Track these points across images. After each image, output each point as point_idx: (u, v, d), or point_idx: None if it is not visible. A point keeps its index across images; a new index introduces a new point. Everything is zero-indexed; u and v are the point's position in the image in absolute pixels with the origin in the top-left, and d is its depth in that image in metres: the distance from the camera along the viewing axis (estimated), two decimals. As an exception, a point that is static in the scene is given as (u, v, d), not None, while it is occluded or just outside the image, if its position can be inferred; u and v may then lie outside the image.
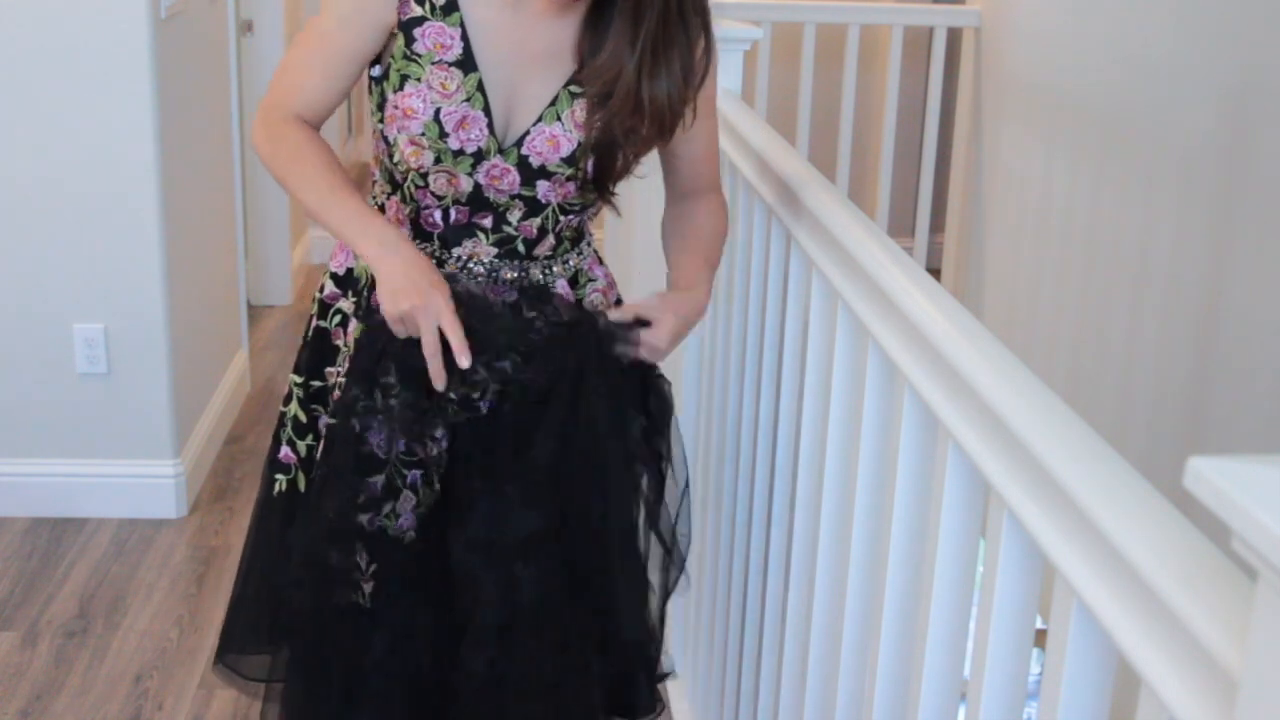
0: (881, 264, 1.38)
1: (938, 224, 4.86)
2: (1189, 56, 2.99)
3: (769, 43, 4.53)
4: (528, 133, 1.57)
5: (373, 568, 1.59)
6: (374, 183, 1.70)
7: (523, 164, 1.57)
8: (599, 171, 1.60)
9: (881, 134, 4.80)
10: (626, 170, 1.63)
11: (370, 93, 1.62)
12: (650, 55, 1.50)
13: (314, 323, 1.74)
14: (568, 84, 1.57)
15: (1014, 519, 1.05)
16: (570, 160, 1.58)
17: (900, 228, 5.11)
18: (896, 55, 4.63)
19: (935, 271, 4.77)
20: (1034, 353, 3.62)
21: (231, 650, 1.79)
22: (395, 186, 1.64)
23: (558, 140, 1.57)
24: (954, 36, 4.72)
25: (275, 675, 1.75)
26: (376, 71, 1.60)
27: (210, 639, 2.71)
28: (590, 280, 1.72)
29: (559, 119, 1.57)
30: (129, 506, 3.19)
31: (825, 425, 1.56)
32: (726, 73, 2.28)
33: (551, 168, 1.58)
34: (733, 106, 2.17)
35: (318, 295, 1.74)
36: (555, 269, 1.67)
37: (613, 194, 1.66)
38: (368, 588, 1.60)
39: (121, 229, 3.03)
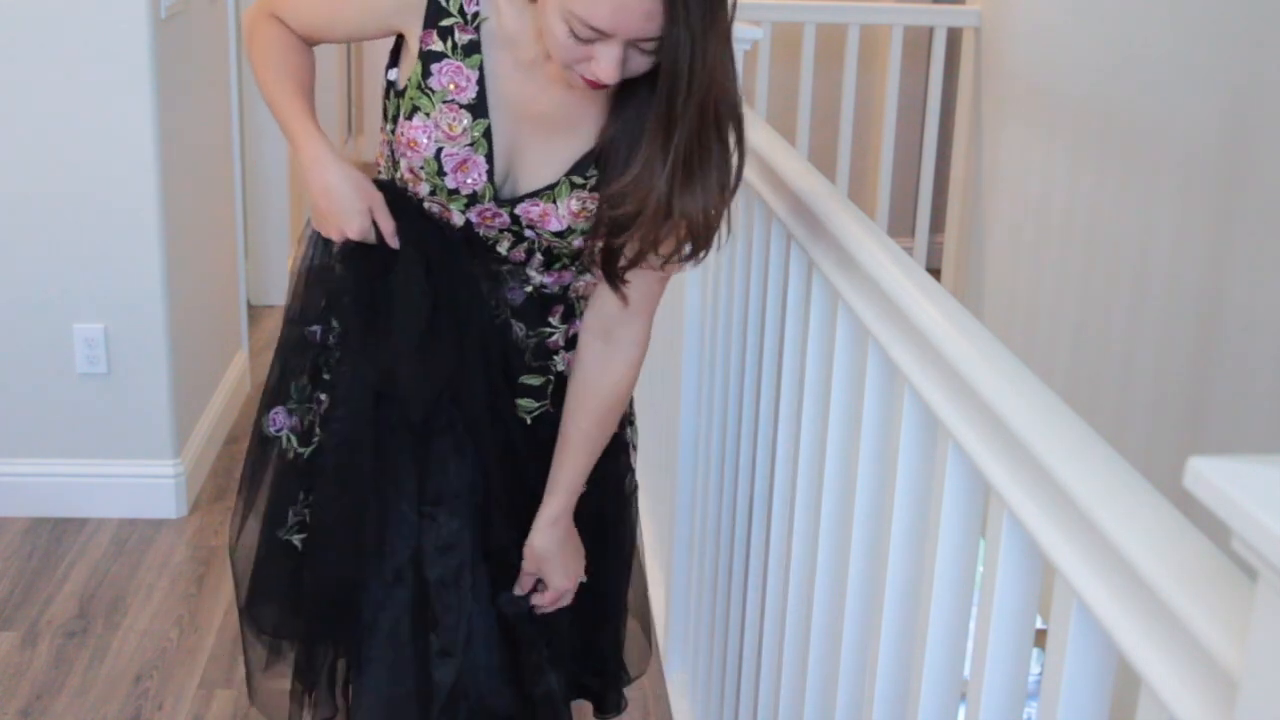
0: (881, 264, 1.38)
1: (938, 224, 4.86)
2: (1189, 56, 2.99)
3: (769, 43, 4.53)
4: (524, 198, 1.56)
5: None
6: (379, 173, 1.70)
7: (515, 218, 1.58)
8: (605, 262, 1.55)
9: (881, 134, 4.80)
10: (630, 264, 1.54)
11: (386, 95, 1.61)
12: (684, 169, 1.43)
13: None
14: (570, 173, 1.54)
15: (1014, 519, 1.05)
16: (561, 235, 1.57)
17: (900, 228, 5.11)
18: (896, 55, 4.63)
19: (935, 271, 4.77)
20: (1034, 353, 3.62)
21: (256, 604, 1.77)
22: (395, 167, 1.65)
23: (549, 217, 1.56)
24: (954, 36, 4.72)
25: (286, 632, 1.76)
26: (393, 76, 1.59)
27: (210, 639, 2.71)
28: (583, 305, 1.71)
29: (554, 202, 1.55)
30: (129, 506, 3.19)
31: (825, 425, 1.56)
32: (726, 73, 2.28)
33: (542, 231, 1.58)
34: (733, 106, 2.16)
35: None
36: (549, 279, 1.65)
37: (622, 283, 1.56)
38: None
39: (122, 229, 3.03)
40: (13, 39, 2.92)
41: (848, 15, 4.61)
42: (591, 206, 1.54)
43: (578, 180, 1.54)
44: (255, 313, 4.66)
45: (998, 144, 4.24)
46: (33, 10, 2.91)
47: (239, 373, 3.86)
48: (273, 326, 4.61)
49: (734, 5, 1.46)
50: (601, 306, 1.63)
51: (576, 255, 1.62)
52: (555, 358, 1.69)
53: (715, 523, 2.18)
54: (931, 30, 4.77)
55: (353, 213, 1.55)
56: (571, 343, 1.70)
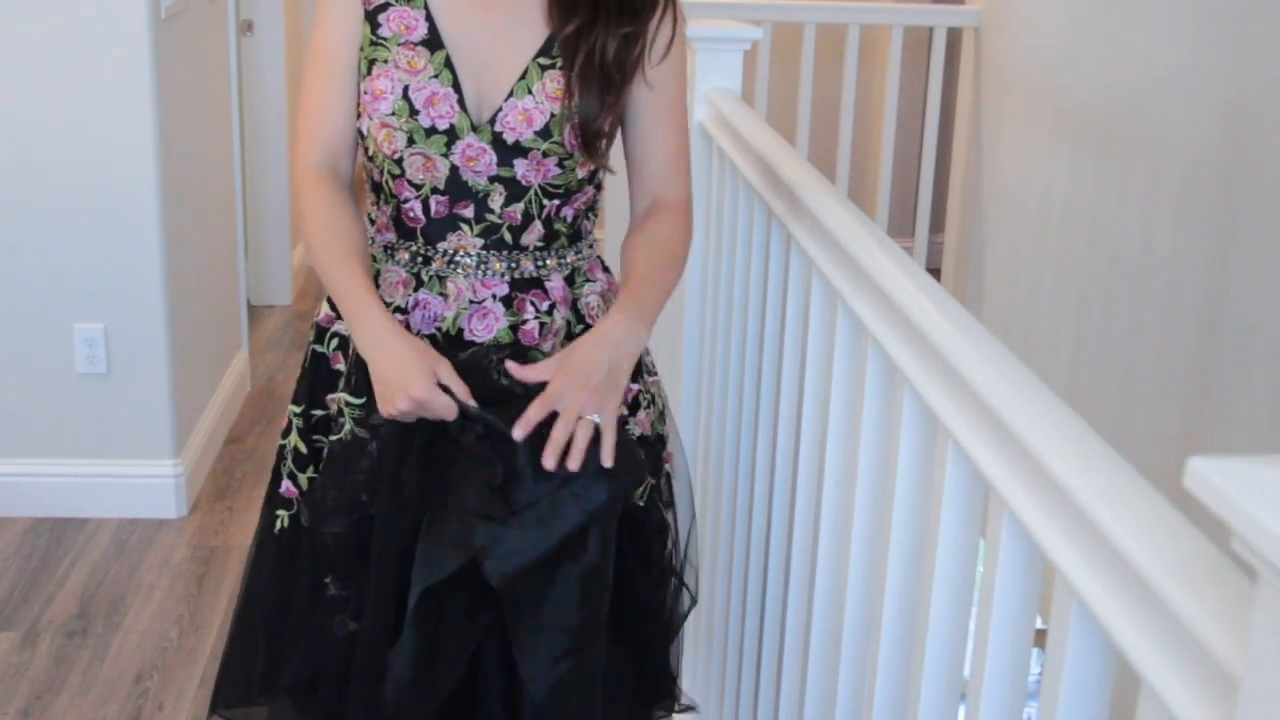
0: (881, 264, 1.38)
1: (938, 224, 4.86)
2: (1189, 56, 2.99)
3: (769, 43, 4.53)
4: (500, 109, 1.56)
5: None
6: (369, 203, 1.68)
7: (497, 141, 1.56)
8: (585, 143, 1.58)
9: (881, 134, 4.80)
10: (611, 133, 1.61)
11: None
12: (616, 11, 1.54)
13: (311, 349, 1.70)
14: (537, 56, 1.58)
15: (1014, 519, 1.05)
16: (544, 133, 1.56)
17: (900, 228, 5.11)
18: (896, 55, 4.63)
19: (935, 271, 4.77)
20: (1034, 353, 3.62)
21: (221, 703, 1.72)
22: (377, 191, 1.63)
23: (530, 114, 1.56)
24: (954, 36, 4.73)
25: None
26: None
27: (210, 639, 2.71)
28: (589, 282, 1.68)
29: (530, 92, 1.56)
30: (129, 506, 3.20)
31: (825, 425, 1.56)
32: (727, 73, 2.28)
33: (526, 143, 1.56)
34: (733, 106, 2.17)
35: (315, 320, 1.71)
36: (549, 262, 1.63)
37: (602, 155, 1.61)
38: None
39: (122, 229, 3.03)
40: (13, 39, 2.92)
41: (848, 15, 4.61)
42: (565, 86, 1.57)
43: (544, 61, 1.58)
44: (255, 312, 4.66)
45: (998, 144, 4.24)
46: (33, 10, 2.91)
47: (239, 373, 3.86)
48: (273, 326, 4.61)
49: None
50: (638, 193, 1.67)
51: (577, 233, 1.64)
52: (629, 425, 1.64)
53: (715, 523, 2.18)
54: (931, 30, 4.77)
55: (417, 373, 1.43)
56: (635, 405, 1.67)
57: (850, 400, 1.51)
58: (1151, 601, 0.83)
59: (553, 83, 1.56)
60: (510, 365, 1.49)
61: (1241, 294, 2.71)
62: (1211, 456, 0.71)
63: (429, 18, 1.57)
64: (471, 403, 1.45)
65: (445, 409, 1.44)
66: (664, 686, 1.73)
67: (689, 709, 1.85)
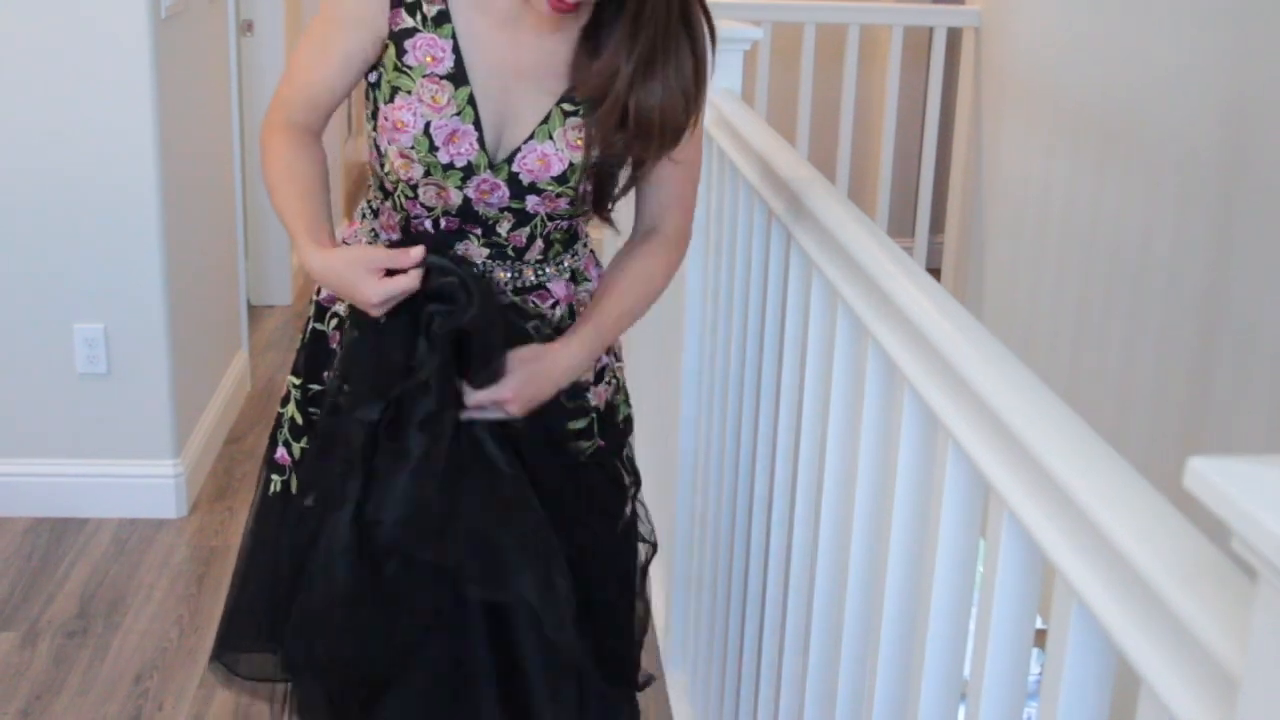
0: (881, 264, 1.39)
1: (937, 224, 4.86)
2: (1188, 56, 2.99)
3: (769, 43, 4.53)
4: (519, 149, 1.56)
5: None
6: (369, 186, 1.70)
7: (513, 180, 1.57)
8: (597, 193, 1.60)
9: (881, 134, 4.80)
10: (622, 191, 1.62)
11: (367, 98, 1.61)
12: (645, 65, 1.47)
13: (311, 325, 1.74)
14: (560, 101, 1.56)
15: (1014, 519, 1.05)
16: (561, 179, 1.57)
17: (900, 228, 5.11)
18: (896, 55, 4.63)
19: (935, 271, 4.77)
20: (1034, 353, 3.62)
21: (228, 649, 1.78)
22: (386, 194, 1.64)
23: (549, 159, 1.56)
24: (954, 37, 4.73)
25: (279, 675, 1.74)
26: (373, 78, 1.59)
27: (210, 639, 2.71)
28: (586, 280, 1.72)
29: (550, 137, 1.55)
30: (129, 506, 3.20)
31: (825, 425, 1.56)
32: (727, 73, 2.28)
33: (542, 185, 1.57)
34: (733, 106, 2.17)
35: (315, 298, 1.74)
36: (549, 269, 1.66)
37: (609, 211, 1.64)
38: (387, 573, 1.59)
39: (122, 229, 3.03)
40: (13, 39, 2.92)
41: (848, 15, 4.61)
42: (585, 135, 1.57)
43: (569, 108, 1.56)
44: (255, 312, 4.66)
45: (997, 144, 4.24)
46: (33, 11, 2.91)
47: (239, 373, 3.86)
48: (273, 326, 4.61)
49: None
50: (641, 215, 1.68)
51: (573, 236, 1.65)
52: (587, 394, 1.71)
53: (715, 523, 2.18)
54: (931, 30, 4.77)
55: (360, 279, 1.49)
56: (599, 375, 1.73)
57: (850, 400, 1.51)
58: (1151, 601, 0.83)
59: (574, 131, 1.56)
60: (476, 396, 1.54)
61: (1241, 293, 2.71)
62: (1211, 456, 0.71)
63: (456, 49, 1.53)
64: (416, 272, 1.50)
65: (406, 285, 1.49)
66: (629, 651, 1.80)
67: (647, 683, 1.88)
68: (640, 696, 2.54)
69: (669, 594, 2.57)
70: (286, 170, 1.58)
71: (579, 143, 1.56)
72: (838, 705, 1.52)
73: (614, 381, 1.77)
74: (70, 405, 3.14)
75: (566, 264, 1.68)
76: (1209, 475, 0.70)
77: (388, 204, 1.64)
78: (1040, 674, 1.02)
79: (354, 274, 1.48)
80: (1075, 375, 3.41)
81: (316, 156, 1.61)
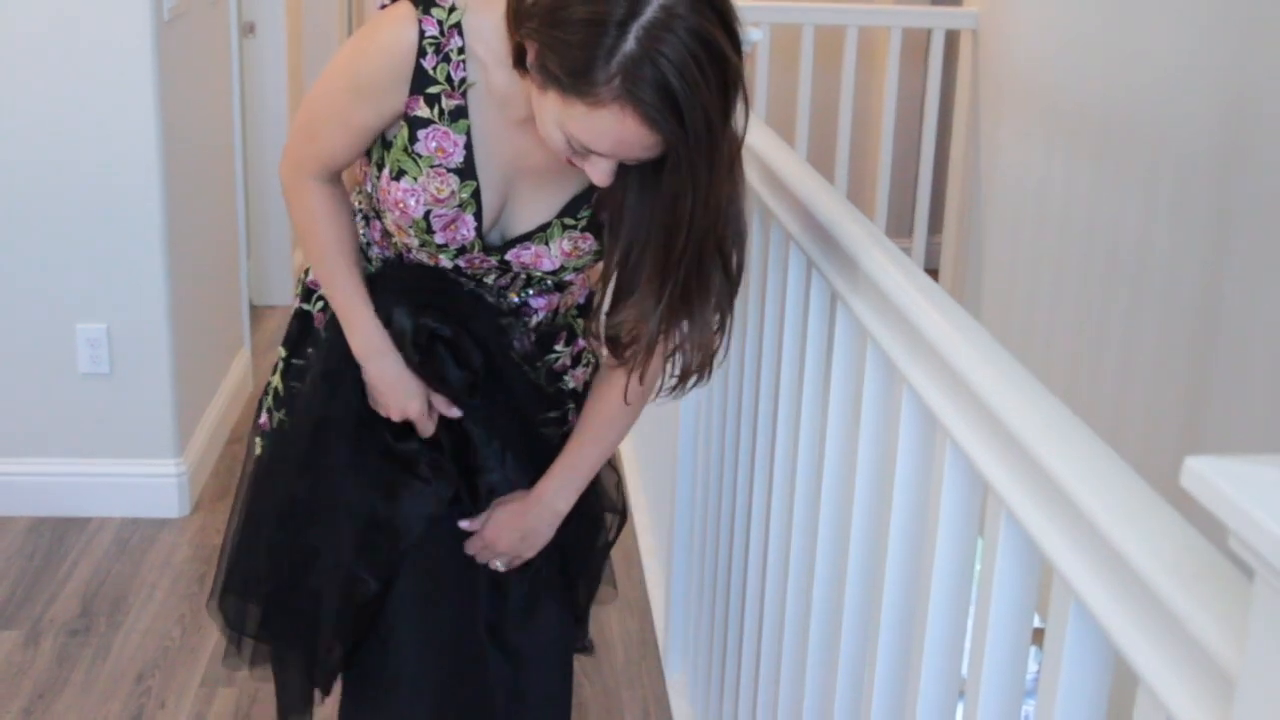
0: (880, 264, 1.39)
1: (936, 224, 4.87)
2: (1187, 57, 2.99)
3: (768, 44, 4.54)
4: (514, 244, 1.57)
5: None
6: (358, 190, 1.68)
7: (504, 264, 1.60)
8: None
9: (880, 135, 4.81)
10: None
11: (369, 156, 1.59)
12: (681, 302, 1.44)
13: (298, 304, 1.77)
14: (561, 214, 1.56)
15: (1012, 518, 1.06)
16: (554, 273, 1.61)
17: (899, 228, 5.12)
18: (895, 57, 4.64)
19: (933, 272, 4.78)
20: (1032, 353, 3.63)
21: (233, 591, 1.78)
22: (378, 214, 1.63)
23: (542, 258, 1.58)
24: (952, 38, 4.73)
25: (261, 634, 1.78)
26: (387, 136, 1.55)
27: (211, 639, 2.72)
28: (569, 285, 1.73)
29: (547, 244, 1.57)
30: (131, 506, 3.20)
31: (824, 425, 1.57)
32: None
33: (532, 273, 1.61)
34: (733, 108, 2.17)
35: (302, 278, 1.77)
36: (531, 291, 1.68)
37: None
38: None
39: (124, 229, 3.04)
40: (16, 40, 2.93)
41: (846, 17, 4.61)
42: (584, 246, 1.58)
43: (569, 222, 1.56)
44: (257, 312, 4.66)
45: (995, 145, 4.24)
46: (35, 12, 2.92)
47: (241, 372, 3.86)
48: (275, 326, 4.62)
49: (743, 128, 1.39)
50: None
51: (562, 286, 1.68)
52: (565, 377, 1.75)
53: (715, 522, 2.19)
54: (929, 32, 4.78)
55: (412, 396, 1.64)
56: (577, 360, 1.76)
57: (849, 400, 1.52)
58: (1149, 600, 0.84)
59: (569, 243, 1.57)
60: (464, 523, 1.70)
61: (1239, 293, 2.72)
62: (1209, 456, 0.72)
63: (469, 144, 1.50)
64: (454, 412, 1.68)
65: (427, 430, 1.67)
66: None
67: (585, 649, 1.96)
68: (640, 696, 2.55)
69: (669, 594, 2.57)
70: (327, 224, 1.63)
71: (574, 253, 1.58)
72: (836, 703, 1.52)
73: (591, 363, 1.78)
74: (72, 405, 3.15)
75: (554, 297, 1.71)
76: (1206, 474, 0.70)
77: (377, 221, 1.65)
78: (1038, 672, 1.02)
79: (397, 397, 1.64)
80: (1073, 375, 3.42)
81: (349, 214, 1.66)
